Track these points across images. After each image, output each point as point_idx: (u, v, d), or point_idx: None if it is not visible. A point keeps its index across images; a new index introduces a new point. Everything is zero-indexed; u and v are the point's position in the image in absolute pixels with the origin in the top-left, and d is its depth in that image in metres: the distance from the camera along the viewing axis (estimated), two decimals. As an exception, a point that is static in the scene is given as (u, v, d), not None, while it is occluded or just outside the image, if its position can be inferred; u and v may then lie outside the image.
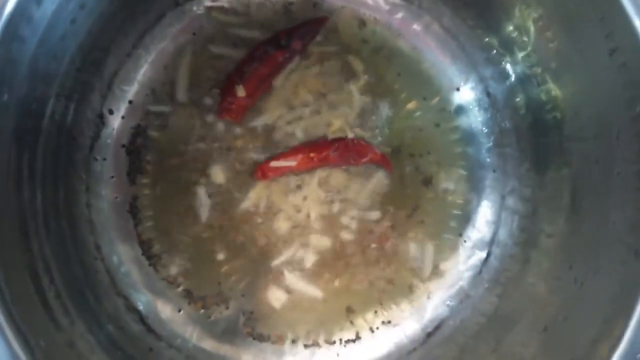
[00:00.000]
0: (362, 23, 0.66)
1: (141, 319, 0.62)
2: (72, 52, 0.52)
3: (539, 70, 0.59)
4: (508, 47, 0.62)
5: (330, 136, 0.65)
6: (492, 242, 0.66)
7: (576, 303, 0.50)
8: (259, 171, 0.64)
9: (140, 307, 0.63)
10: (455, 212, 0.67)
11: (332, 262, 0.65)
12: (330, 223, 0.66)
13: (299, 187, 0.65)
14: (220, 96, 0.64)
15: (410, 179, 0.66)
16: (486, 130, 0.67)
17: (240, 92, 0.63)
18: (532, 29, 0.58)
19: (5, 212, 0.45)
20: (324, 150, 0.64)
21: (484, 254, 0.66)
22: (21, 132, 0.47)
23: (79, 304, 0.53)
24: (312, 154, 0.63)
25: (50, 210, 0.53)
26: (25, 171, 0.49)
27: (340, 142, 0.64)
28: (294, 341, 0.65)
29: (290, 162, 0.63)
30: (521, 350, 0.54)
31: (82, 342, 0.50)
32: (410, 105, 0.67)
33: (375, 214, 0.66)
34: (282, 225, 0.65)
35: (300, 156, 0.63)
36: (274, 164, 0.63)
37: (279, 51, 0.63)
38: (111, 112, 0.63)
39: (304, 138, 0.65)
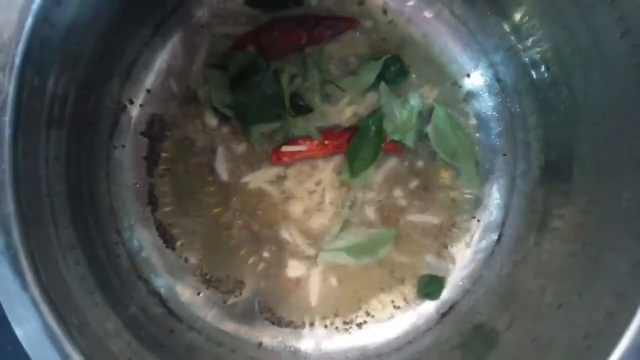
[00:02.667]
0: (384, 11, 0.67)
1: (162, 301, 0.64)
2: (95, 39, 0.53)
3: (549, 54, 0.60)
4: (518, 32, 0.63)
5: (344, 124, 0.67)
6: (503, 223, 0.67)
7: (591, 279, 0.51)
8: (273, 155, 0.65)
9: (161, 291, 0.64)
10: (467, 195, 0.68)
11: (346, 246, 0.67)
12: (344, 208, 0.67)
13: (313, 172, 0.66)
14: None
15: (421, 164, 0.67)
16: (496, 115, 0.68)
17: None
18: (542, 14, 0.59)
19: (38, 194, 0.46)
20: (338, 138, 0.65)
21: (495, 236, 0.67)
22: (49, 118, 0.48)
23: (103, 286, 0.54)
24: (326, 141, 0.65)
25: (74, 195, 0.54)
26: (52, 157, 0.50)
27: (354, 130, 0.65)
28: (310, 324, 0.66)
29: (305, 148, 0.65)
30: (536, 327, 0.55)
31: (109, 321, 0.52)
32: (421, 92, 0.68)
33: (387, 199, 0.67)
34: (296, 209, 0.66)
35: (315, 142, 0.65)
36: (288, 148, 0.64)
37: (301, 29, 0.64)
38: (131, 101, 0.64)
39: (320, 128, 0.66)
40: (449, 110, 0.67)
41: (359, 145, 0.65)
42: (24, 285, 0.41)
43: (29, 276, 0.41)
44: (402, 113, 0.65)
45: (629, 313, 0.44)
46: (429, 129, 0.66)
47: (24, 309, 0.41)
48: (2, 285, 0.41)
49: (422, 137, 0.67)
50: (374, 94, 0.67)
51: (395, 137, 0.65)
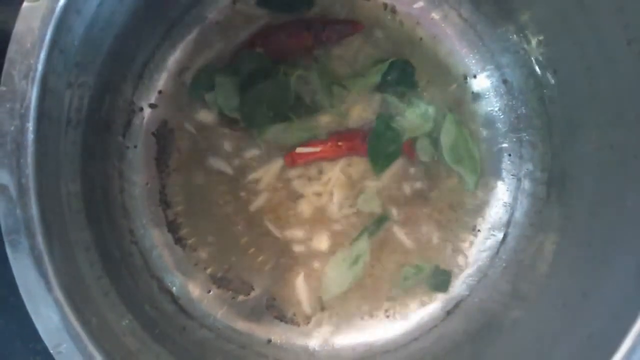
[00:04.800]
0: (392, 11, 0.68)
1: (173, 299, 0.65)
2: (109, 42, 0.54)
3: (555, 58, 0.61)
4: (524, 35, 0.64)
5: (352, 126, 0.67)
6: (508, 223, 0.68)
7: (596, 280, 0.52)
8: (288, 158, 0.66)
9: (173, 289, 0.65)
10: (473, 195, 0.69)
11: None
12: (352, 207, 0.68)
13: (321, 172, 0.67)
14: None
15: (429, 164, 0.68)
16: (502, 116, 0.69)
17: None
18: (549, 18, 0.60)
19: (57, 197, 0.47)
20: (352, 139, 0.66)
21: (500, 235, 0.68)
22: (67, 120, 0.49)
23: (118, 286, 0.55)
24: (340, 143, 0.66)
25: (89, 196, 0.55)
26: (68, 158, 0.51)
27: (367, 132, 0.66)
28: (318, 321, 0.67)
29: (319, 149, 0.66)
30: (540, 326, 0.56)
31: (125, 320, 0.53)
32: (428, 93, 0.68)
33: (395, 199, 0.68)
34: (305, 209, 0.67)
35: (329, 144, 0.66)
36: (303, 150, 0.65)
37: (308, 32, 0.65)
38: (144, 102, 0.65)
39: (327, 129, 0.67)
40: (455, 112, 0.68)
41: (378, 144, 0.66)
42: (49, 287, 0.41)
43: (53, 278, 0.42)
44: (412, 113, 0.66)
45: (633, 315, 0.45)
46: (441, 134, 0.67)
47: (47, 309, 0.42)
48: (25, 285, 0.42)
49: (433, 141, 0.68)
50: (380, 96, 0.67)
51: (410, 135, 0.67)
